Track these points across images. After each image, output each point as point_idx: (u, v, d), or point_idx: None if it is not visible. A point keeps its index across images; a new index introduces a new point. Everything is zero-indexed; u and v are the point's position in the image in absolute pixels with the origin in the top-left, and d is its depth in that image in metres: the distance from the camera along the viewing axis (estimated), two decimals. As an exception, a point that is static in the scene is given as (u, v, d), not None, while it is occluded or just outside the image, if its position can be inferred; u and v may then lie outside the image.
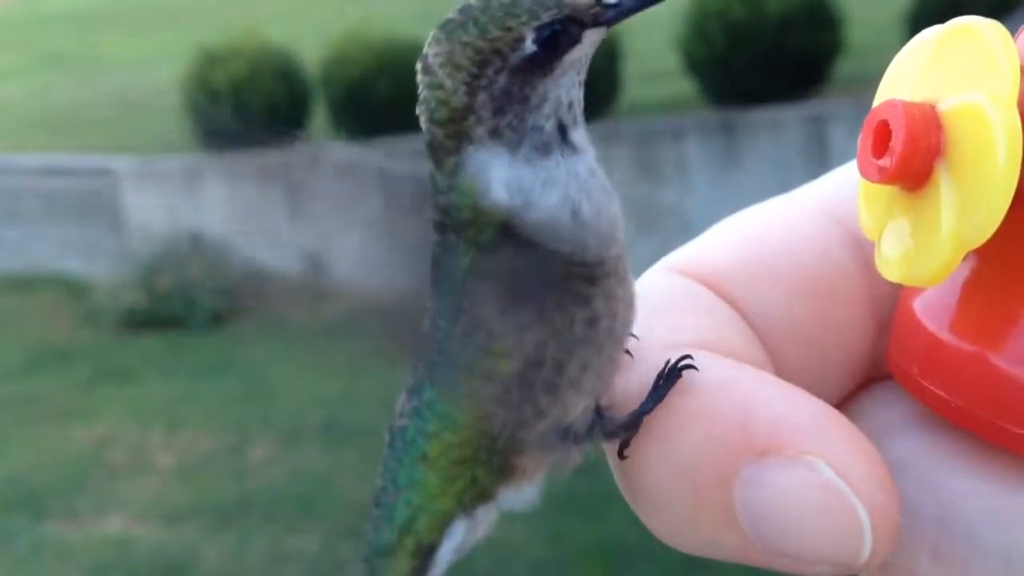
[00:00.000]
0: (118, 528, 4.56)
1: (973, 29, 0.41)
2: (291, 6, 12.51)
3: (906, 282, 0.41)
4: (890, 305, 0.46)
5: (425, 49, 0.42)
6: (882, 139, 0.41)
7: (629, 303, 0.42)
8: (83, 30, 13.71)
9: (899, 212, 0.42)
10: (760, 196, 0.49)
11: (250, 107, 7.31)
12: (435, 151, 0.42)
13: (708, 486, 0.39)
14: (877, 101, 0.43)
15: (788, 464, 0.38)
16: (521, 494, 0.45)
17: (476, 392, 0.43)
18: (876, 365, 0.47)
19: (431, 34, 0.42)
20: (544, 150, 0.41)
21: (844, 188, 0.47)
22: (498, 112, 0.41)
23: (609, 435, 0.43)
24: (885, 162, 0.41)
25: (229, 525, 4.49)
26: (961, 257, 0.39)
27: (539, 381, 0.42)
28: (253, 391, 5.78)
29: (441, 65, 0.41)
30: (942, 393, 0.41)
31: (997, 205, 0.38)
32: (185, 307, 6.77)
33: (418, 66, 0.42)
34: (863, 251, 0.46)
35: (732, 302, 0.45)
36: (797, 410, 0.39)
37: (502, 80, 0.40)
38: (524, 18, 0.40)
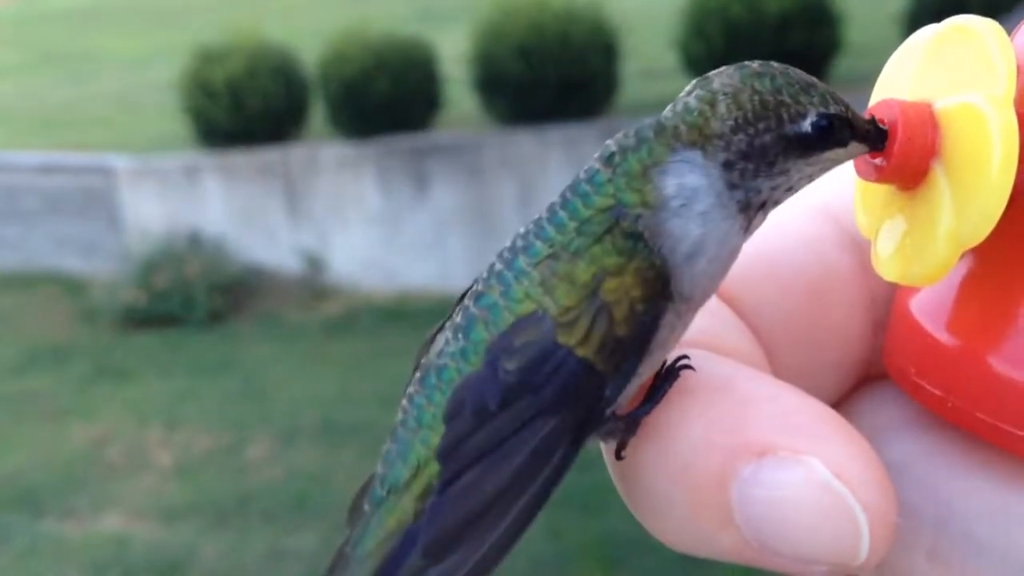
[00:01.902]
0: (116, 526, 4.56)
1: (969, 28, 0.41)
2: (289, 4, 12.51)
3: (902, 281, 0.41)
4: (887, 305, 0.46)
5: (712, 75, 0.44)
6: None
7: (686, 327, 0.43)
8: (80, 28, 13.71)
9: (896, 211, 0.42)
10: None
11: (248, 105, 7.31)
12: (658, 132, 0.43)
13: (705, 487, 0.39)
14: (874, 100, 0.43)
15: (785, 465, 0.37)
16: None
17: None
18: (873, 364, 0.47)
19: (722, 68, 0.44)
20: (742, 208, 0.43)
21: (841, 187, 0.47)
22: (743, 157, 0.42)
23: (608, 435, 0.43)
24: (882, 161, 0.41)
25: (227, 523, 4.49)
26: (958, 257, 0.39)
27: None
28: (251, 389, 5.79)
29: (724, 93, 0.43)
30: (939, 393, 0.41)
31: (993, 205, 0.38)
32: (183, 305, 6.78)
33: (698, 82, 0.44)
34: (860, 250, 0.46)
35: (729, 301, 0.45)
36: (794, 410, 0.39)
37: (767, 138, 0.42)
38: (815, 100, 0.42)
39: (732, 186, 0.42)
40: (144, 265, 7.05)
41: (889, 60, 0.44)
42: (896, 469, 0.40)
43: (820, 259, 0.46)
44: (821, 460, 0.37)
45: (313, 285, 7.06)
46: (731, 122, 0.42)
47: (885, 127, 0.41)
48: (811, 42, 6.81)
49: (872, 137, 0.42)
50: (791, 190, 0.43)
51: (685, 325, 0.43)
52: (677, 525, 0.41)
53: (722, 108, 0.42)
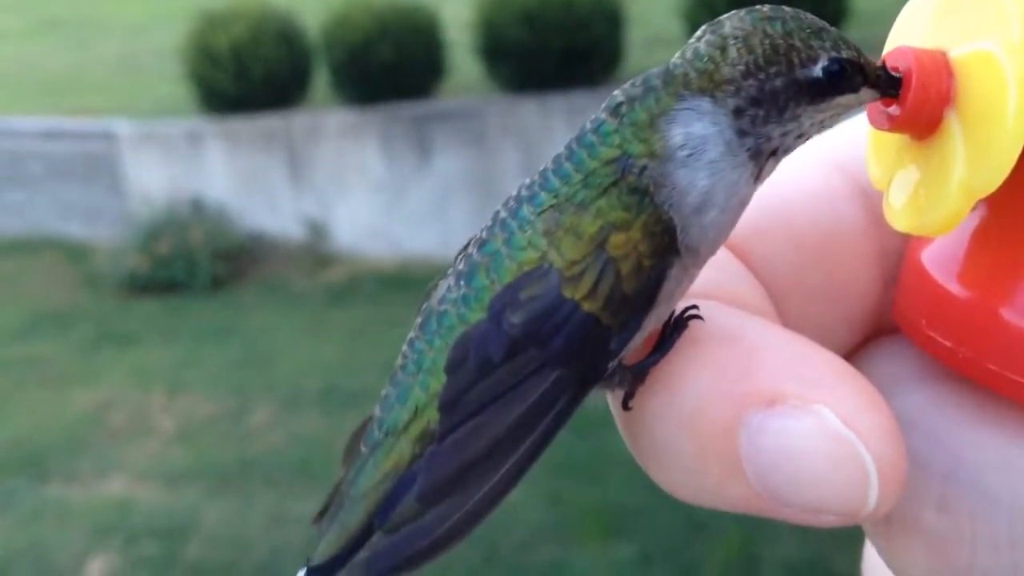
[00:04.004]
0: (119, 490, 4.58)
1: (985, -24, 0.40)
2: (292, -30, 12.42)
3: (914, 232, 0.41)
4: (898, 258, 0.46)
5: (723, 19, 0.43)
6: None
7: (693, 280, 0.43)
8: (83, -7, 13.63)
9: (908, 161, 0.42)
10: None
11: (251, 71, 7.27)
12: (667, 81, 0.43)
13: (713, 436, 0.39)
14: (888, 48, 0.43)
15: (795, 413, 0.37)
16: None
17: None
18: (884, 318, 0.46)
19: (732, 12, 0.43)
20: (752, 156, 0.42)
21: (853, 140, 0.47)
22: (753, 103, 0.42)
23: (615, 386, 0.43)
24: (895, 109, 0.41)
25: (229, 488, 4.51)
26: (970, 207, 0.39)
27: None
28: (253, 356, 5.79)
29: (735, 37, 0.42)
30: (949, 344, 0.41)
31: (1007, 154, 0.37)
32: (186, 271, 6.77)
33: (708, 27, 0.43)
34: (871, 203, 0.46)
35: (740, 254, 0.45)
36: (805, 360, 0.38)
37: (778, 82, 0.42)
38: (827, 44, 0.42)
39: (742, 133, 0.42)
40: (147, 231, 7.04)
41: (904, 9, 0.44)
42: (906, 421, 0.39)
43: (832, 212, 0.46)
44: (831, 409, 0.37)
45: (316, 252, 7.05)
46: (742, 67, 0.42)
47: (898, 74, 0.41)
48: (818, 10, 6.72)
49: (884, 83, 0.41)
50: (802, 136, 0.43)
51: (692, 278, 0.43)
52: (685, 475, 0.40)
53: (732, 53, 0.42)
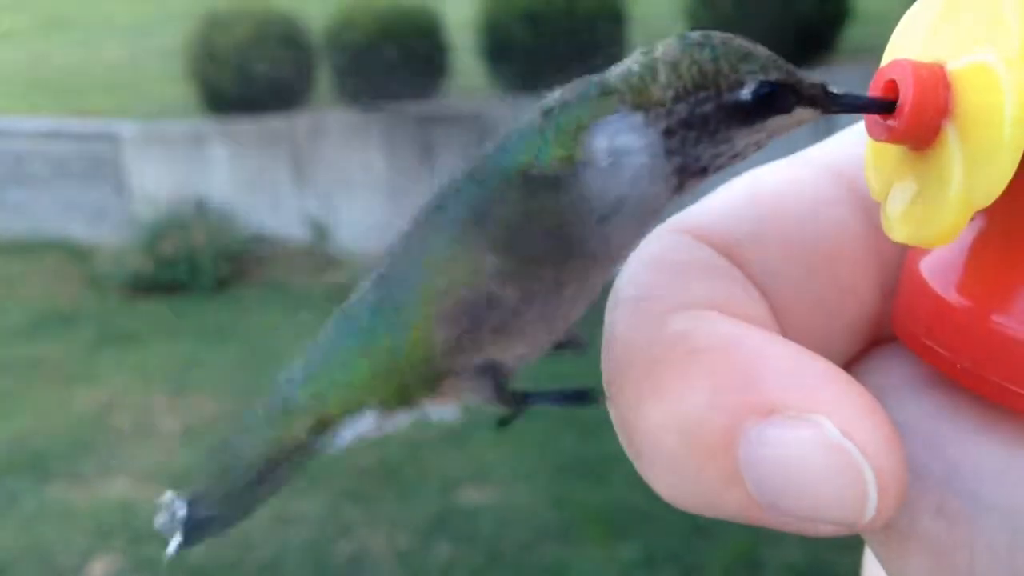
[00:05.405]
0: (122, 491, 4.58)
1: (983, -13, 0.40)
2: (295, -30, 12.42)
3: (912, 243, 0.41)
4: (897, 267, 0.46)
5: (656, 45, 0.45)
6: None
7: (604, 282, 0.45)
8: (87, -7, 13.64)
9: (906, 172, 0.42)
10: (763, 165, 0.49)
11: (254, 72, 7.28)
12: (603, 92, 0.45)
13: (712, 445, 0.39)
14: (885, 60, 0.43)
15: (794, 423, 0.37)
16: (443, 410, 0.47)
17: (435, 304, 0.45)
18: (882, 327, 0.47)
19: (665, 40, 0.45)
20: (677, 172, 0.44)
21: (852, 148, 0.47)
22: (684, 125, 0.43)
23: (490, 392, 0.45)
24: (893, 122, 0.41)
25: (233, 489, 4.51)
26: (968, 218, 0.39)
27: (492, 318, 0.44)
28: (257, 356, 5.79)
29: (664, 63, 0.44)
30: (948, 355, 0.41)
31: (1004, 166, 0.38)
32: (189, 272, 6.78)
33: (640, 50, 0.45)
34: (870, 212, 0.46)
35: (738, 263, 0.45)
36: (804, 370, 0.39)
37: (707, 107, 0.43)
38: (754, 68, 0.42)
39: (670, 152, 0.43)
40: (150, 232, 7.05)
41: (902, 20, 0.44)
42: (905, 430, 0.40)
43: (831, 221, 0.46)
44: (830, 419, 0.37)
45: (319, 253, 7.06)
46: (671, 91, 0.43)
47: (834, 90, 0.42)
48: (820, 10, 6.76)
49: (822, 101, 0.42)
50: (737, 156, 0.44)
51: (593, 287, 0.44)
52: (683, 484, 0.41)
53: (662, 77, 0.43)
